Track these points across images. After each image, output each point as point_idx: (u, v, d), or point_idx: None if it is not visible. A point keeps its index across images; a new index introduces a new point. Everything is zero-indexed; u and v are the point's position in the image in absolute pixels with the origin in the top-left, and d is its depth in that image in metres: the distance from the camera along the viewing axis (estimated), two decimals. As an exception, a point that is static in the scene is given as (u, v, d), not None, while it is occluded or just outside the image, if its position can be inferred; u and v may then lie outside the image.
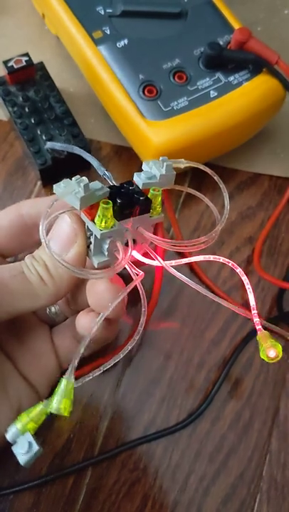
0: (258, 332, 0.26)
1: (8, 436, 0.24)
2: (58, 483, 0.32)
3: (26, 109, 0.39)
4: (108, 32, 0.38)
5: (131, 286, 0.26)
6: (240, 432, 0.34)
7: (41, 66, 0.40)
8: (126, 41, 0.38)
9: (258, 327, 0.26)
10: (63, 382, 0.23)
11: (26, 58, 0.38)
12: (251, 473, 0.33)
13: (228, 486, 0.33)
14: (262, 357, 0.26)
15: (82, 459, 0.33)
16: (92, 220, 0.25)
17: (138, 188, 0.26)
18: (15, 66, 0.38)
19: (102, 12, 0.39)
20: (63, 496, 0.32)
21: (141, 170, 0.27)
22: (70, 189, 0.24)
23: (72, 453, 0.33)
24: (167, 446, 0.34)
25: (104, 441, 0.33)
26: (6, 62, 0.38)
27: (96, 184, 0.25)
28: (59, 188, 0.25)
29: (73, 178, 0.25)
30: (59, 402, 0.23)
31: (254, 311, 0.27)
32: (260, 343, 0.26)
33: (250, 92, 0.37)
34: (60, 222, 0.26)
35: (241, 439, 0.34)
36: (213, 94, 0.37)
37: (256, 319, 0.26)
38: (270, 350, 0.25)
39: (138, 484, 0.33)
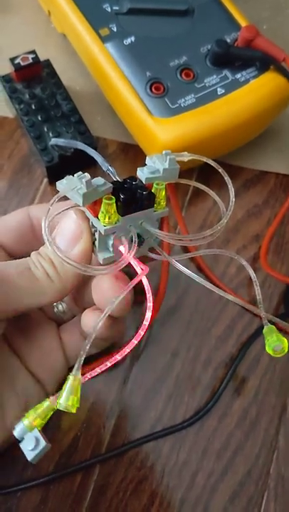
0: (264, 326, 0.26)
1: (16, 433, 0.24)
2: (65, 481, 0.32)
3: (33, 107, 0.39)
4: (115, 29, 0.38)
5: (135, 281, 0.25)
6: (248, 430, 0.34)
7: (48, 63, 0.40)
8: (133, 38, 0.38)
9: (265, 321, 0.26)
10: (70, 379, 0.23)
11: (33, 56, 0.38)
12: (258, 471, 0.33)
13: (236, 483, 0.33)
14: (267, 351, 0.26)
15: (90, 457, 0.33)
16: (96, 216, 0.25)
17: (141, 182, 0.26)
18: (21, 63, 0.38)
19: (109, 9, 0.39)
20: (71, 493, 0.32)
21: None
22: (72, 185, 0.24)
23: (79, 451, 0.33)
24: (174, 444, 0.34)
25: (112, 439, 0.33)
26: (12, 60, 0.38)
27: (99, 180, 0.25)
28: (61, 184, 0.25)
29: (75, 175, 0.24)
30: (67, 399, 0.23)
31: (260, 305, 0.27)
32: (266, 337, 0.26)
33: (257, 89, 0.37)
34: (65, 218, 0.26)
35: (248, 437, 0.34)
36: (220, 91, 0.37)
37: (263, 313, 0.26)
38: (275, 345, 0.25)
39: (145, 482, 0.33)
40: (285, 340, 0.26)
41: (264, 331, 0.26)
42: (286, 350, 0.26)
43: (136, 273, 0.26)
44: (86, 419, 0.34)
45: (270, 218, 0.40)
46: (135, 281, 0.26)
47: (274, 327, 0.26)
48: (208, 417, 0.34)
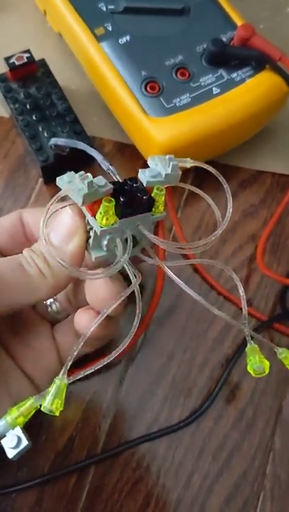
0: (248, 344, 0.26)
1: None
2: (60, 482, 0.32)
3: (28, 106, 0.38)
4: (110, 28, 0.38)
5: (129, 290, 0.25)
6: (244, 431, 0.34)
7: (43, 63, 0.40)
8: (128, 38, 0.38)
9: (248, 338, 0.26)
10: (56, 382, 0.23)
11: (28, 55, 0.38)
12: (254, 472, 0.33)
13: (232, 484, 0.33)
14: (249, 371, 0.26)
15: (85, 458, 0.33)
16: (94, 216, 0.25)
17: (142, 185, 0.26)
18: (16, 63, 0.38)
19: (104, 8, 0.39)
20: (66, 494, 0.32)
21: (144, 167, 0.27)
22: (73, 186, 0.24)
23: (74, 451, 0.33)
24: (170, 445, 0.34)
25: (107, 440, 0.33)
26: (7, 59, 0.38)
27: (100, 180, 0.25)
28: (62, 181, 0.25)
29: (77, 174, 0.24)
30: (51, 403, 0.23)
31: (245, 321, 0.27)
32: (249, 356, 0.26)
33: (253, 88, 0.37)
34: (61, 214, 0.26)
35: (244, 438, 0.34)
36: (215, 90, 0.37)
37: (246, 330, 0.26)
38: (257, 366, 0.26)
39: (141, 483, 0.33)
40: (267, 361, 0.26)
41: (247, 349, 0.26)
42: (267, 372, 0.26)
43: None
44: (81, 419, 0.34)
45: (266, 218, 0.40)
46: (129, 290, 0.25)
47: (257, 346, 0.26)
48: (204, 418, 0.34)
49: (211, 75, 0.37)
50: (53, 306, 0.32)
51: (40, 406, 0.23)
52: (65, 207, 0.26)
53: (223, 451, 0.34)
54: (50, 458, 0.33)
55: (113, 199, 0.24)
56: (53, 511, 0.32)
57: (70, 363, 0.24)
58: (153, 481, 0.33)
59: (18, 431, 0.24)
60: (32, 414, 0.24)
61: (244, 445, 0.34)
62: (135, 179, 0.26)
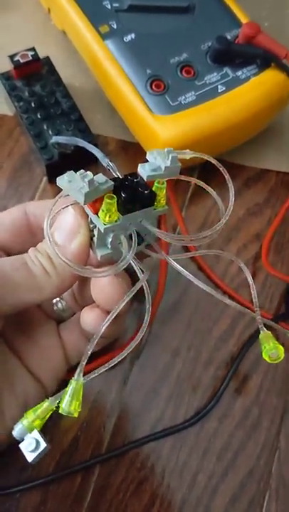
0: (261, 331, 0.26)
1: (15, 433, 0.24)
2: (65, 481, 0.32)
3: (32, 104, 0.38)
4: (115, 26, 0.38)
5: (138, 286, 0.25)
6: (249, 430, 0.34)
7: (47, 61, 0.40)
8: (133, 35, 0.38)
9: (261, 326, 0.26)
10: (73, 383, 0.23)
11: (32, 53, 0.38)
12: (260, 471, 0.33)
13: (237, 484, 0.33)
14: (264, 357, 0.26)
15: (90, 457, 0.33)
16: (96, 214, 0.25)
17: (142, 180, 0.26)
18: (21, 61, 0.38)
19: (109, 6, 0.38)
20: (71, 493, 0.32)
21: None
22: (74, 185, 0.24)
23: (79, 451, 0.33)
24: (175, 444, 0.33)
25: (112, 440, 0.33)
26: (12, 57, 0.38)
27: (100, 178, 0.24)
28: (62, 181, 0.24)
29: (78, 173, 0.24)
30: (69, 404, 0.23)
31: (257, 309, 0.26)
32: (263, 343, 0.26)
33: (258, 86, 0.37)
34: (63, 213, 0.26)
35: (250, 437, 0.34)
36: (220, 88, 0.37)
37: (258, 318, 0.26)
38: (272, 352, 0.26)
39: (146, 482, 0.32)
40: (281, 347, 0.26)
41: (260, 336, 0.26)
42: (282, 357, 0.26)
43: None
44: (86, 419, 0.33)
45: (270, 217, 0.40)
46: (136, 287, 0.25)
47: (270, 333, 0.26)
48: (209, 418, 0.34)
49: (216, 73, 0.37)
50: (59, 305, 0.32)
51: (57, 408, 0.23)
52: (67, 207, 0.26)
53: (228, 451, 0.34)
54: (55, 458, 0.32)
55: (115, 196, 0.24)
56: (57, 511, 0.31)
57: (84, 363, 0.23)
58: (158, 480, 0.33)
59: (35, 434, 0.24)
60: (48, 416, 0.24)
61: (249, 444, 0.34)
62: (135, 174, 0.26)
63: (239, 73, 0.37)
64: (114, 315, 0.24)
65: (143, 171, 0.26)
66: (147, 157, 0.27)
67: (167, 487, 0.33)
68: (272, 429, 0.34)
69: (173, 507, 0.32)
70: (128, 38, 0.38)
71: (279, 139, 0.42)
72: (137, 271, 0.26)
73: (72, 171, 0.25)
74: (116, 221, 0.25)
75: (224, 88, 0.37)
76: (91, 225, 0.26)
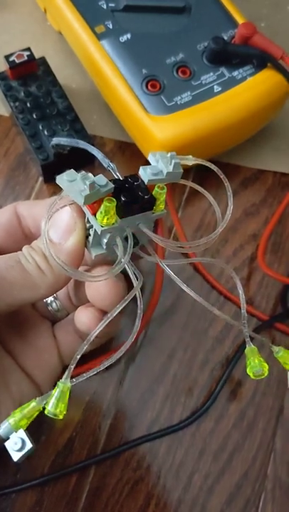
0: (247, 345, 0.26)
1: (1, 432, 0.24)
2: (60, 482, 0.32)
3: (28, 105, 0.38)
4: (111, 26, 0.38)
5: (131, 295, 0.25)
6: (245, 431, 0.34)
7: (43, 61, 0.40)
8: (129, 36, 0.38)
9: (247, 339, 0.26)
10: (60, 386, 0.23)
11: (28, 53, 0.38)
12: (256, 472, 0.33)
13: (233, 485, 0.33)
14: (248, 373, 0.26)
15: (85, 458, 0.33)
16: (94, 214, 0.25)
17: (143, 183, 0.26)
18: (16, 61, 0.38)
19: (105, 6, 0.38)
20: (66, 494, 0.32)
21: (145, 165, 0.27)
22: (75, 187, 0.24)
23: (74, 451, 0.33)
24: (171, 445, 0.33)
25: (107, 440, 0.33)
26: (7, 57, 0.38)
27: (101, 180, 0.24)
28: (62, 180, 0.24)
29: (79, 175, 0.24)
30: (55, 406, 0.23)
31: (244, 321, 0.26)
32: (248, 358, 0.26)
33: (254, 87, 0.37)
34: (60, 212, 0.26)
35: (246, 438, 0.34)
36: (217, 89, 0.37)
37: (245, 331, 0.26)
38: (257, 369, 0.25)
39: (141, 483, 0.32)
40: (266, 364, 0.26)
41: (246, 351, 0.26)
42: (266, 374, 0.26)
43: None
44: (82, 419, 0.33)
45: (267, 217, 0.40)
46: (132, 294, 0.25)
47: (256, 349, 0.26)
48: (205, 418, 0.34)
49: (212, 73, 0.37)
50: (53, 305, 0.32)
51: (43, 409, 0.23)
52: (64, 206, 0.26)
53: (224, 452, 0.33)
54: (50, 458, 0.32)
55: (114, 199, 0.24)
56: (52, 512, 0.31)
57: (73, 367, 0.23)
58: (153, 481, 0.33)
59: (21, 433, 0.24)
60: (35, 416, 0.24)
61: (245, 445, 0.34)
62: (136, 177, 0.26)
63: (235, 73, 0.37)
64: (108, 321, 0.24)
65: (144, 174, 0.26)
66: (149, 159, 0.27)
67: (163, 488, 0.33)
68: (267, 430, 0.34)
69: (169, 507, 0.32)
70: (124, 38, 0.37)
71: (276, 139, 0.42)
72: (131, 277, 0.26)
73: (72, 170, 0.24)
74: (114, 224, 0.25)
75: (220, 88, 0.37)
76: (87, 224, 0.26)
